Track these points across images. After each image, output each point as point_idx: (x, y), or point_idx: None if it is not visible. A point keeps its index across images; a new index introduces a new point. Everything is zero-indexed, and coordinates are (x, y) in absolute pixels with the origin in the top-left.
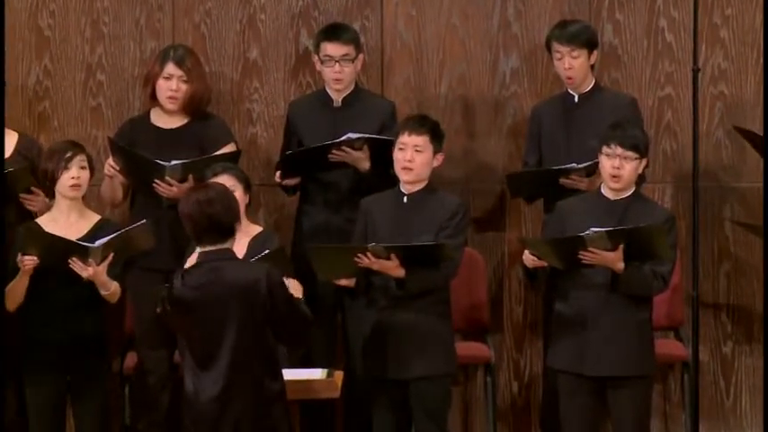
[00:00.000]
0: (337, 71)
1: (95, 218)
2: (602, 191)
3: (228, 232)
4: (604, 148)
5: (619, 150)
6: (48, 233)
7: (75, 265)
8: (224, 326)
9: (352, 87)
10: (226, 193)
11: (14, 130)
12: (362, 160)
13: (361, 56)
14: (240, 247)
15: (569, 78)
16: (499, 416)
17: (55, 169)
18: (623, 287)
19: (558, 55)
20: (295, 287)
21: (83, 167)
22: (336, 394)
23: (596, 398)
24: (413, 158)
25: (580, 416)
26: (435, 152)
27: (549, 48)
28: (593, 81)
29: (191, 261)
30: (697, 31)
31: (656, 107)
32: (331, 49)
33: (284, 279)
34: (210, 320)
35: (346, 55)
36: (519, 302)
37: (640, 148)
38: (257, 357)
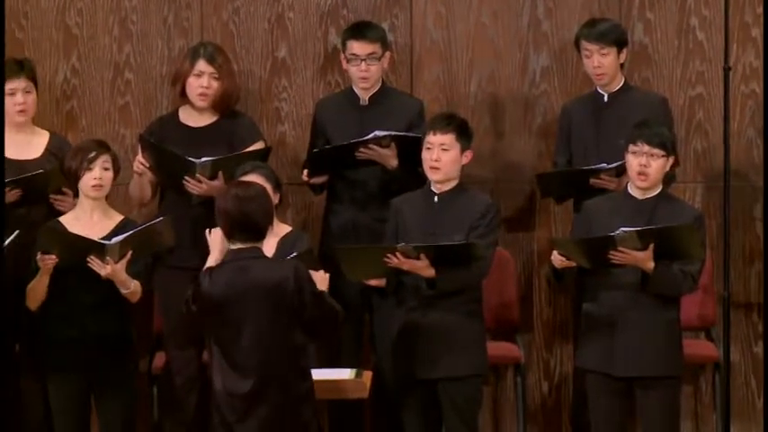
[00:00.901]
0: (363, 69)
1: (119, 217)
2: (629, 190)
3: (261, 233)
4: (631, 147)
5: (645, 148)
6: (65, 231)
7: (94, 263)
8: (251, 324)
9: (378, 86)
10: (264, 193)
11: (46, 130)
12: (390, 158)
13: (387, 54)
14: (269, 247)
15: (598, 77)
16: (529, 416)
17: (78, 168)
18: (653, 287)
19: (588, 53)
20: (321, 279)
21: (106, 168)
22: (365, 394)
23: (625, 398)
24: (439, 157)
25: (609, 416)
26: (463, 150)
27: (578, 46)
28: (623, 80)
29: (212, 259)
30: (728, 29)
31: (686, 106)
32: (357, 47)
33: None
34: (238, 318)
35: (372, 53)
36: (549, 302)
37: (667, 145)
38: (285, 356)
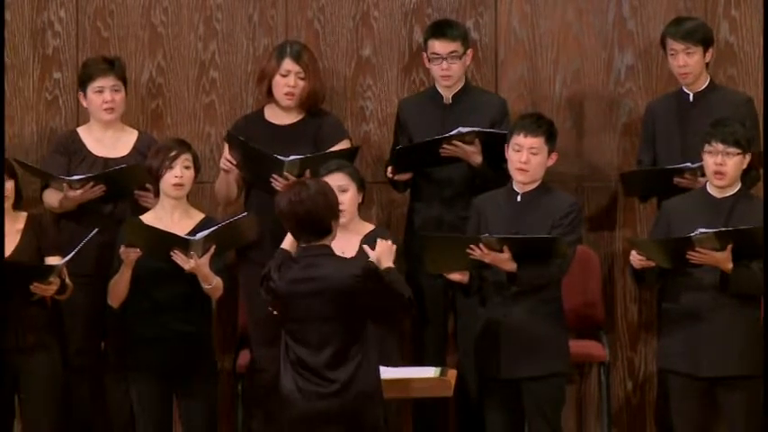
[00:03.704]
0: (445, 68)
1: (199, 216)
2: (708, 189)
3: (323, 231)
4: (706, 146)
5: (720, 147)
6: (150, 226)
7: (178, 257)
8: (319, 322)
9: (461, 84)
10: (322, 191)
11: (134, 129)
12: (474, 154)
13: (469, 52)
14: (351, 245)
15: (683, 76)
16: (613, 415)
17: (159, 167)
18: (733, 287)
19: (673, 52)
20: (387, 250)
21: (187, 167)
22: (450, 393)
23: (708, 399)
24: (528, 160)
25: (692, 417)
26: (550, 152)
27: (663, 45)
28: (709, 79)
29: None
30: None
31: None
32: (438, 46)
33: (379, 241)
34: (306, 316)
35: (454, 52)
36: (633, 301)
37: (742, 143)
38: (353, 355)
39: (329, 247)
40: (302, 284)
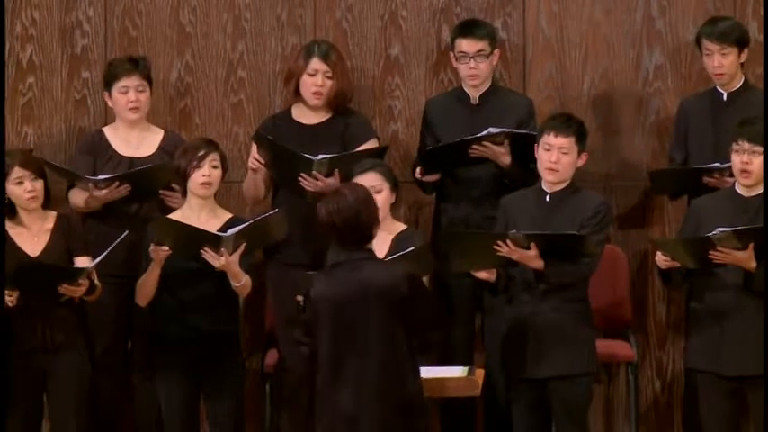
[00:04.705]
0: (472, 67)
1: (226, 216)
2: (736, 188)
3: (364, 238)
4: (733, 145)
5: (746, 146)
6: (181, 223)
7: (208, 254)
8: (362, 326)
9: (488, 84)
10: (360, 199)
11: (161, 128)
12: (503, 155)
13: (497, 52)
14: (383, 244)
15: (718, 76)
16: (641, 415)
17: (187, 167)
18: (757, 285)
19: (708, 52)
20: None
21: (215, 166)
22: (477, 392)
23: (736, 398)
24: (558, 160)
25: (720, 416)
26: (580, 152)
27: (699, 44)
28: (743, 79)
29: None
30: None
31: None
32: (465, 45)
33: None
34: (349, 320)
35: (481, 51)
36: (662, 300)
37: None
38: (396, 358)
39: (370, 251)
40: (345, 287)
